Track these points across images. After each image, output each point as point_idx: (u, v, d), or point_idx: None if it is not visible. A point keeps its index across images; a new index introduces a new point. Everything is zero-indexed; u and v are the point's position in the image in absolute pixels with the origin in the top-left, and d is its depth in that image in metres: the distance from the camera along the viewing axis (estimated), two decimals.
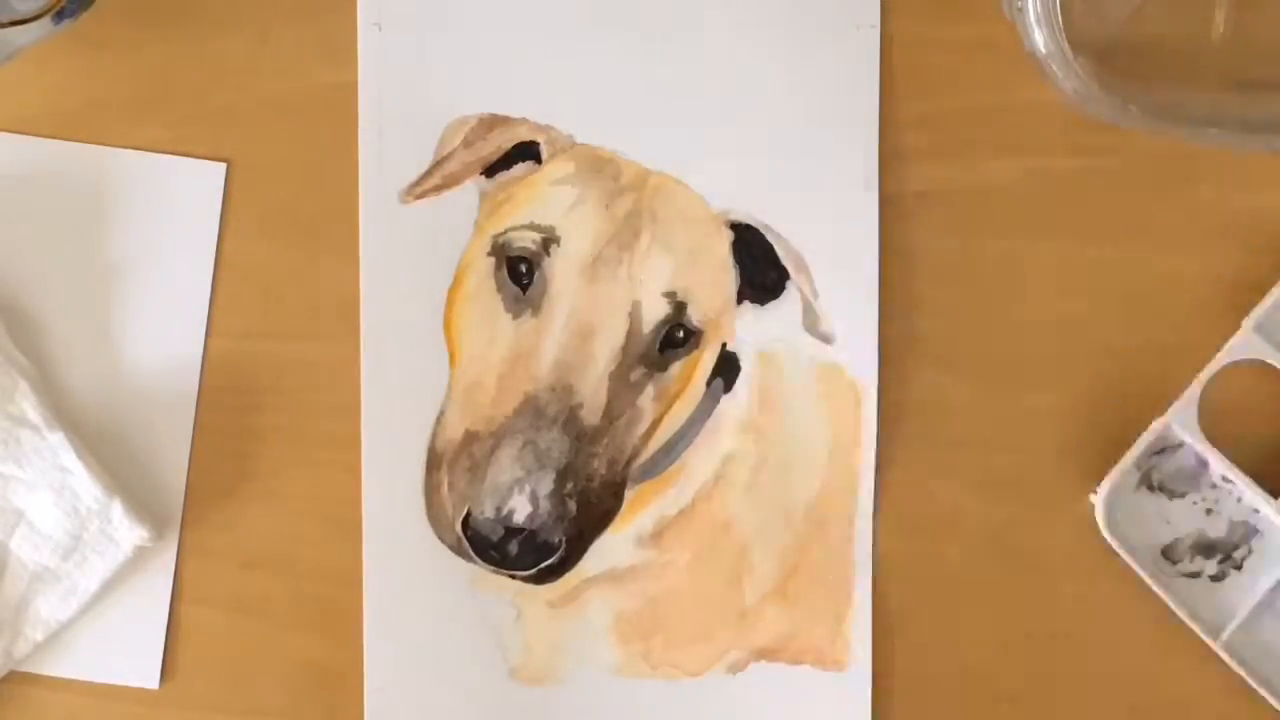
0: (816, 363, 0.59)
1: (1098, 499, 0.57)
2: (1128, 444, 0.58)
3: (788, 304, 0.59)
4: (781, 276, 0.59)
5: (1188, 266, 0.59)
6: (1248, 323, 0.57)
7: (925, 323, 0.59)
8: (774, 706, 0.59)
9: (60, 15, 0.54)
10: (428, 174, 0.58)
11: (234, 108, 0.58)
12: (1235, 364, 0.57)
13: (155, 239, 0.58)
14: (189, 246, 0.58)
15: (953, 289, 0.59)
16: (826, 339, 0.59)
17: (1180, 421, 0.57)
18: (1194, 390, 0.57)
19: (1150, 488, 0.58)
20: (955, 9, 0.58)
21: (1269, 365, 0.57)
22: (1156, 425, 0.57)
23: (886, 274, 0.59)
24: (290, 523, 0.58)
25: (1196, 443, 0.57)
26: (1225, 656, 0.57)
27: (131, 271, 0.58)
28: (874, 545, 0.59)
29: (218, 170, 0.58)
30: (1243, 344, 0.57)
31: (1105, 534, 0.57)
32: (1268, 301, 0.57)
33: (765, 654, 0.59)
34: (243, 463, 0.58)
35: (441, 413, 0.58)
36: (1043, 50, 0.54)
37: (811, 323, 0.59)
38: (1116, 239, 0.59)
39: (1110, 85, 0.55)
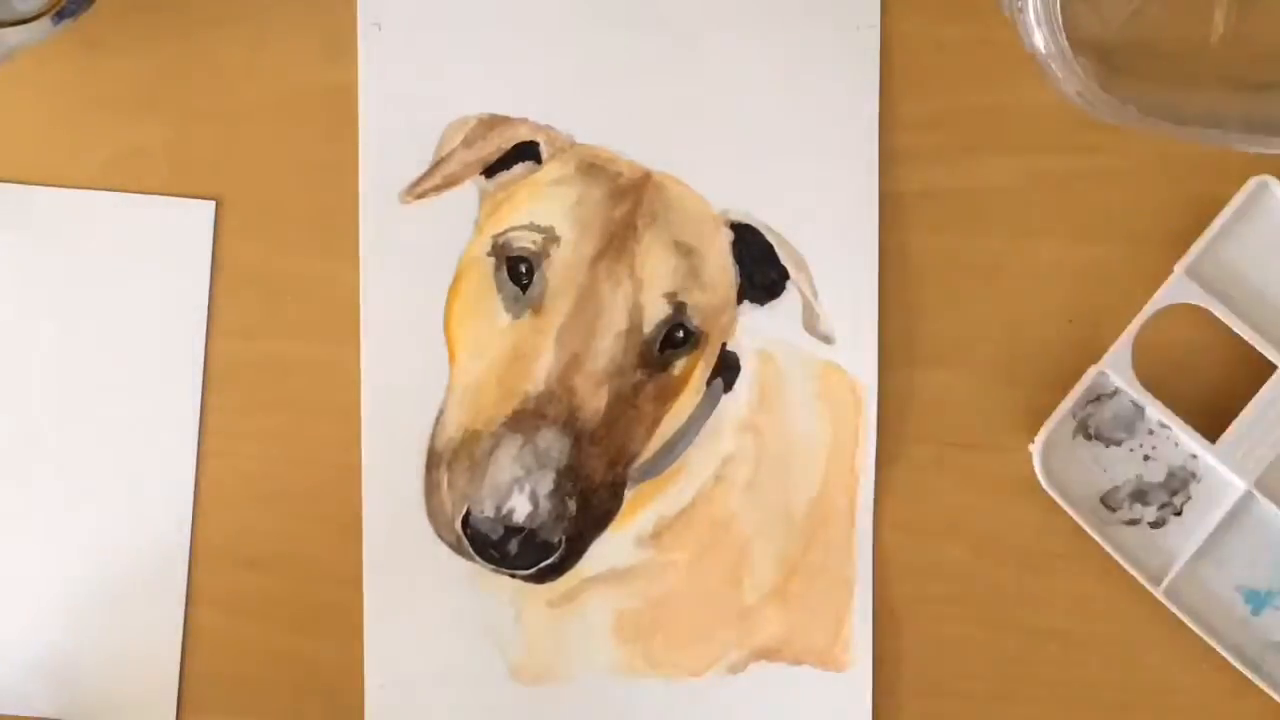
0: (816, 363, 0.59)
1: (1034, 448, 0.57)
2: None
3: (788, 304, 0.59)
4: (781, 276, 0.59)
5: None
6: (1179, 267, 0.57)
7: (924, 322, 0.59)
8: (774, 706, 0.59)
9: (60, 15, 0.54)
10: (428, 174, 0.58)
11: (234, 108, 0.58)
12: (1169, 308, 0.57)
13: (148, 271, 0.58)
14: (185, 267, 0.58)
15: (952, 288, 0.59)
16: (826, 339, 0.59)
17: (1114, 368, 0.57)
18: (1127, 336, 0.57)
19: (1087, 436, 0.58)
20: (955, 9, 0.58)
21: (1203, 310, 0.57)
22: (1091, 372, 0.57)
23: (886, 274, 0.59)
24: (290, 523, 0.58)
25: (1131, 389, 0.57)
26: (1167, 602, 0.57)
27: (125, 300, 0.58)
28: (874, 545, 0.59)
29: (206, 207, 0.58)
30: (1175, 289, 0.57)
31: (1043, 483, 0.57)
32: (1199, 246, 0.57)
33: (765, 654, 0.59)
34: (243, 463, 0.58)
35: (441, 412, 0.58)
36: (1042, 50, 0.54)
37: (811, 322, 0.59)
38: (1116, 239, 0.59)
39: (1110, 85, 0.55)
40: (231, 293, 0.58)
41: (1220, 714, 0.59)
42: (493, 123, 0.59)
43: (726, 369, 0.59)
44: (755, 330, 0.59)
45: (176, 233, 0.58)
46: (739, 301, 0.59)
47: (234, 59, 0.58)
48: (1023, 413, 0.59)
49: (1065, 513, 0.58)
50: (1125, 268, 0.59)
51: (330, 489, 0.58)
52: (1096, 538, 0.58)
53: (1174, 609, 0.57)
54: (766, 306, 0.59)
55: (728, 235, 0.58)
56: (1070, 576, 0.59)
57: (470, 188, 0.59)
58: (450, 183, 0.59)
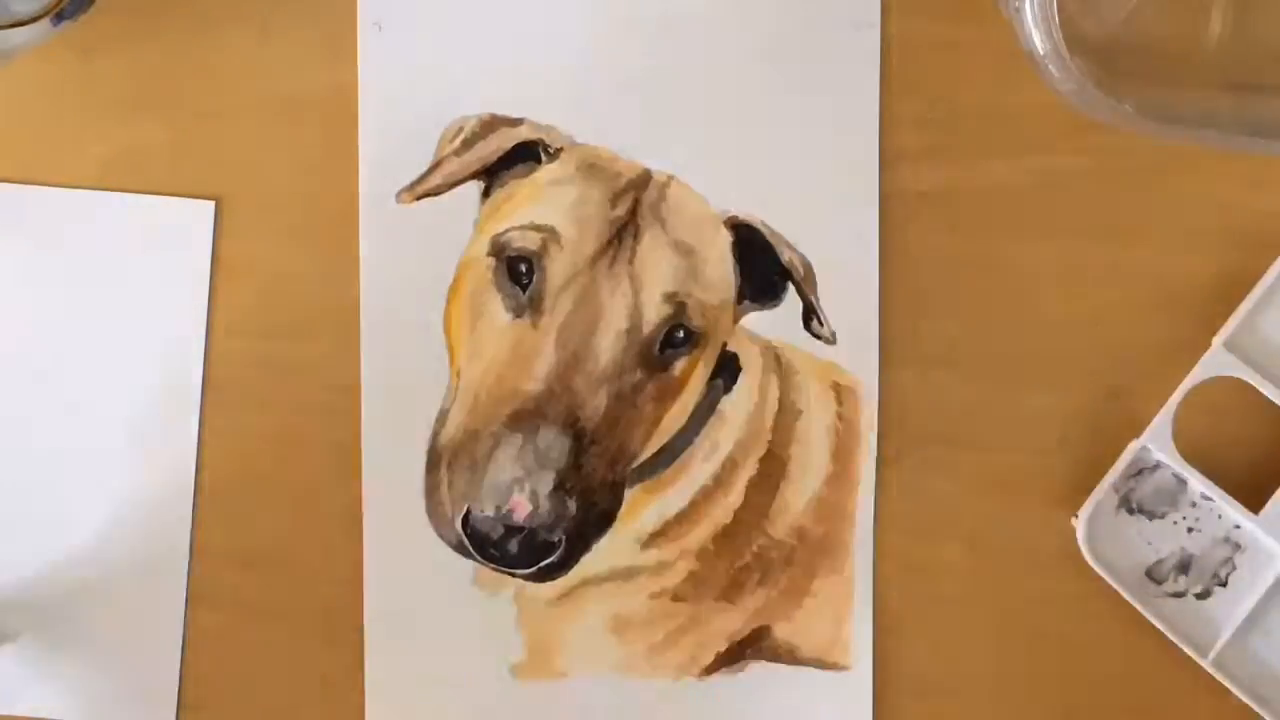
0: (817, 363, 0.59)
1: (1078, 524, 0.58)
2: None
3: (788, 304, 0.59)
4: (782, 276, 0.59)
5: (1187, 267, 0.59)
6: (1218, 340, 0.57)
7: (925, 323, 0.59)
8: (774, 706, 0.59)
9: (59, 17, 0.54)
10: (428, 174, 0.58)
11: (234, 108, 0.58)
12: (1208, 381, 0.57)
13: (148, 271, 0.58)
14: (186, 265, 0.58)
15: (953, 289, 0.59)
16: (827, 339, 0.59)
17: (1156, 442, 0.58)
18: (1168, 411, 0.57)
19: (1130, 510, 0.58)
20: (955, 9, 0.58)
21: (1241, 380, 0.57)
22: (1133, 447, 0.58)
23: (886, 274, 0.59)
24: (290, 523, 0.58)
25: (1173, 463, 0.58)
26: (1215, 673, 0.57)
27: (125, 300, 0.58)
28: (874, 545, 0.59)
29: (207, 207, 0.58)
30: (1214, 362, 0.57)
31: (1088, 559, 0.58)
32: (1238, 317, 0.57)
33: (765, 654, 0.59)
34: (243, 463, 0.58)
35: (442, 412, 0.58)
36: (1039, 50, 0.54)
37: (812, 323, 0.59)
38: (1116, 239, 0.59)
39: (1106, 85, 0.55)
40: (231, 292, 0.58)
41: None
42: (493, 123, 0.59)
43: (726, 369, 0.59)
44: (756, 330, 0.59)
45: (177, 232, 0.58)
46: (739, 301, 0.59)
47: (234, 59, 0.58)
48: (1021, 412, 0.59)
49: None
50: (1123, 267, 0.59)
51: (330, 489, 0.58)
52: (1143, 611, 0.58)
53: (1222, 679, 0.57)
54: (767, 306, 0.59)
55: (728, 235, 0.58)
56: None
57: (470, 188, 0.59)
58: (450, 183, 0.59)
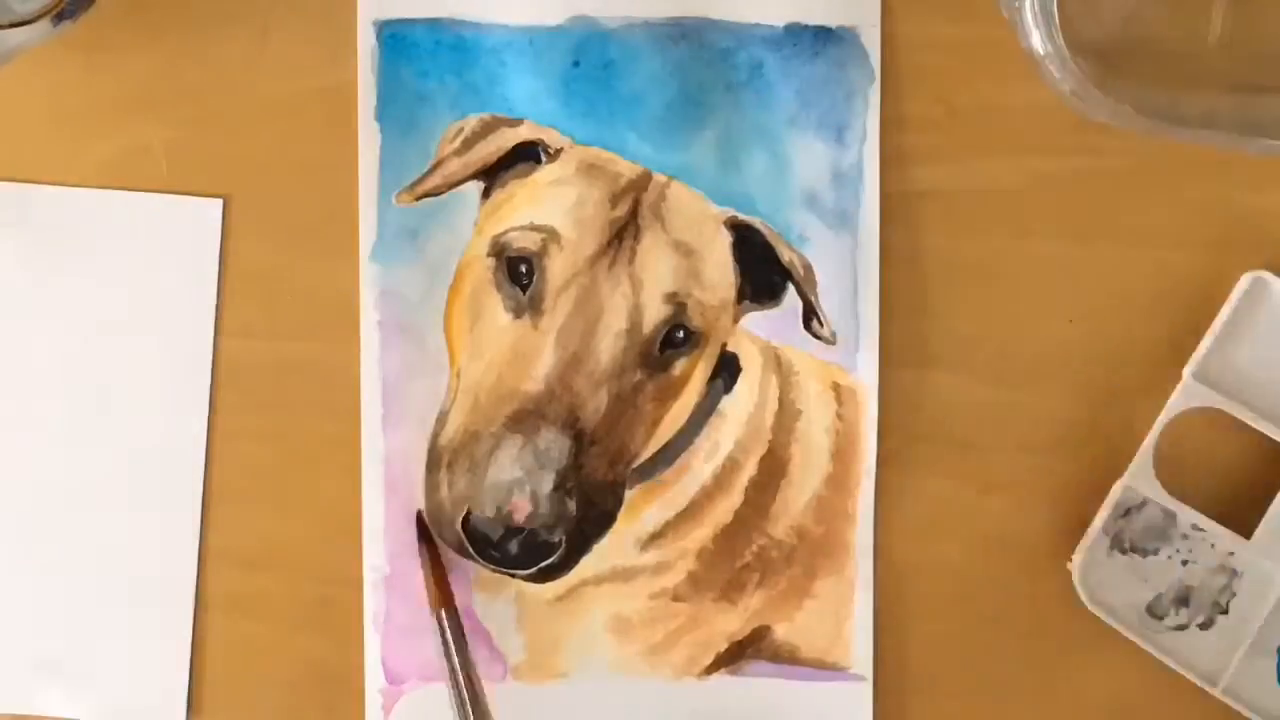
0: (817, 363, 0.59)
1: (1074, 569, 0.58)
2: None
3: (788, 304, 0.59)
4: (782, 277, 0.59)
5: (1187, 267, 0.59)
6: (1187, 371, 0.57)
7: (925, 322, 0.59)
8: (774, 707, 0.59)
9: (60, 17, 0.54)
10: (427, 174, 0.58)
11: (234, 108, 0.58)
12: (1184, 413, 0.58)
13: (155, 273, 0.58)
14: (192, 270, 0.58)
15: (953, 289, 0.59)
16: (827, 339, 0.59)
17: (1139, 480, 0.58)
18: (1147, 447, 0.58)
19: (1123, 550, 0.58)
20: (955, 9, 0.58)
21: (1216, 409, 0.57)
22: (1116, 488, 0.58)
23: (887, 274, 0.59)
24: (290, 523, 0.58)
25: (1159, 498, 0.58)
26: (1229, 701, 0.57)
27: (132, 300, 0.58)
28: (874, 545, 0.59)
29: (214, 206, 0.58)
30: (1186, 394, 0.58)
31: (1088, 604, 0.58)
32: (1204, 347, 0.57)
33: (765, 654, 0.59)
34: (244, 463, 0.58)
35: (442, 413, 0.58)
36: (1039, 50, 0.54)
37: (812, 323, 0.59)
38: (1116, 239, 0.59)
39: (1106, 85, 0.55)
40: (234, 292, 0.58)
41: None
42: (493, 123, 0.59)
43: (726, 369, 0.59)
44: (756, 331, 0.59)
45: (184, 231, 0.58)
46: (739, 301, 0.59)
47: (234, 59, 0.58)
48: (1021, 412, 0.59)
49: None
50: (1123, 268, 0.59)
51: (330, 489, 0.58)
52: (1149, 649, 0.58)
53: (1235, 706, 0.57)
54: (767, 307, 0.59)
55: (727, 235, 0.58)
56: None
57: (470, 188, 0.59)
58: (450, 183, 0.59)
